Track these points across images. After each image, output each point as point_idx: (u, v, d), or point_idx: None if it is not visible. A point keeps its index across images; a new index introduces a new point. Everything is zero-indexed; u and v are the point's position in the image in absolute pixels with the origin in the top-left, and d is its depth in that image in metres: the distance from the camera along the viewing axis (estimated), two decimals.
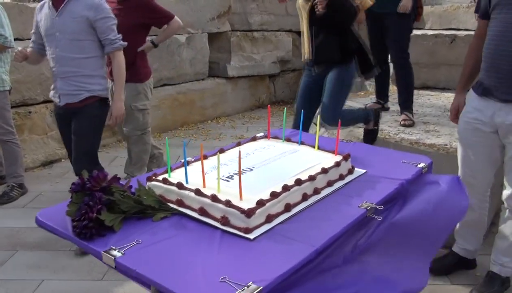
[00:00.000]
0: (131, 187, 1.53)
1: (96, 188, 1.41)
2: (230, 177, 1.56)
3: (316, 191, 1.57)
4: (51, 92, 2.86)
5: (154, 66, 5.54)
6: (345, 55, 2.81)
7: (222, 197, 1.39)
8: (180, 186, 1.48)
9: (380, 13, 3.40)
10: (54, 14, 2.64)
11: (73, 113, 2.76)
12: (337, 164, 1.69)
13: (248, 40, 6.71)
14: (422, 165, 1.87)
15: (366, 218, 1.47)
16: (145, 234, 1.33)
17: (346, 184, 1.69)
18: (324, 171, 1.62)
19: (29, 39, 4.21)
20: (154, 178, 1.56)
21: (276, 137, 2.04)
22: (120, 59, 2.77)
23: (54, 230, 1.39)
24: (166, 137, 1.57)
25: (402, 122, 3.41)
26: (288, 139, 2.00)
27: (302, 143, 1.94)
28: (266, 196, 1.40)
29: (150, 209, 1.43)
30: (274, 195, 1.41)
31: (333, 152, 1.81)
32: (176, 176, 1.57)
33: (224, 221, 1.34)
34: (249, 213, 1.31)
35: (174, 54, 5.78)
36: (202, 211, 1.40)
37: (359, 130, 3.27)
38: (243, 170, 1.61)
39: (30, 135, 4.49)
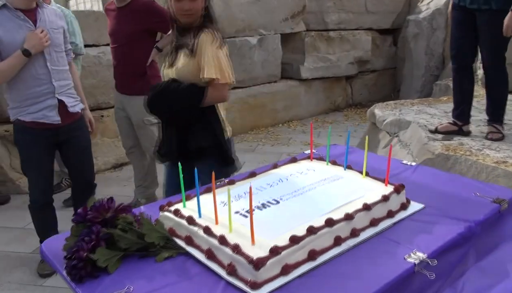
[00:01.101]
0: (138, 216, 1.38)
1: (97, 219, 1.27)
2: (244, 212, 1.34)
3: (354, 233, 1.29)
4: (37, 114, 2.42)
5: None
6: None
7: (233, 239, 1.17)
8: (190, 220, 1.29)
9: (472, 9, 2.81)
10: (32, 27, 2.34)
11: (67, 131, 2.55)
12: (385, 198, 1.39)
13: (323, 40, 6.40)
14: (500, 200, 1.49)
15: (414, 274, 1.17)
16: (140, 279, 1.15)
17: (396, 223, 1.38)
18: (366, 207, 1.33)
19: (106, 45, 4.38)
20: (167, 207, 1.39)
21: (320, 158, 1.77)
22: (75, 66, 2.79)
23: (52, 264, 1.28)
24: (179, 163, 1.39)
25: (489, 136, 2.92)
26: (333, 162, 1.72)
27: (348, 167, 1.66)
28: (285, 240, 1.16)
29: (154, 246, 1.26)
30: (294, 240, 1.16)
31: (383, 181, 1.51)
32: (193, 206, 1.38)
33: (231, 269, 1.12)
34: (257, 264, 1.08)
35: (245, 56, 5.66)
36: (210, 254, 1.20)
37: (434, 144, 2.86)
38: (267, 202, 1.38)
39: (102, 139, 4.63)
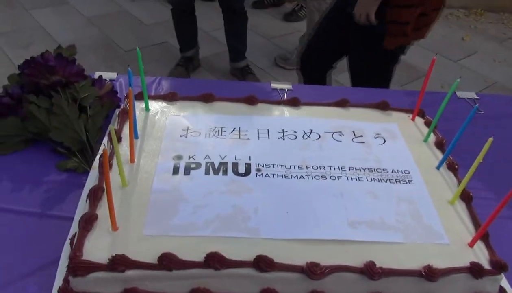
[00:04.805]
0: (116, 92, 1.03)
1: (35, 79, 0.96)
2: (193, 165, 0.82)
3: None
4: None
5: None
6: None
7: (116, 201, 0.73)
8: (116, 133, 0.86)
9: None
10: None
11: None
12: (428, 275, 0.67)
13: None
14: None
15: None
16: (12, 184, 0.86)
17: None
18: (368, 270, 0.67)
19: None
20: (127, 100, 0.97)
21: (427, 121, 0.98)
22: None
23: None
24: (137, 49, 0.88)
25: None
26: (439, 142, 0.93)
27: (450, 168, 0.87)
28: (168, 248, 0.66)
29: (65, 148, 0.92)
30: (163, 260, 0.65)
31: (476, 230, 0.73)
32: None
33: (72, 244, 0.72)
34: (72, 269, 0.64)
35: None
36: (91, 199, 0.79)
37: None
38: (234, 164, 0.82)
39: None
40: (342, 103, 1.02)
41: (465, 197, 0.80)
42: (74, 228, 0.75)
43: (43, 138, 0.93)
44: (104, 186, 0.72)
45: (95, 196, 0.74)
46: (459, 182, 0.83)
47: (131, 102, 0.79)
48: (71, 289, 0.66)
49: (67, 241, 0.73)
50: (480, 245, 0.73)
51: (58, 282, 0.68)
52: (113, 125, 0.94)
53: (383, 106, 1.01)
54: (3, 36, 3.06)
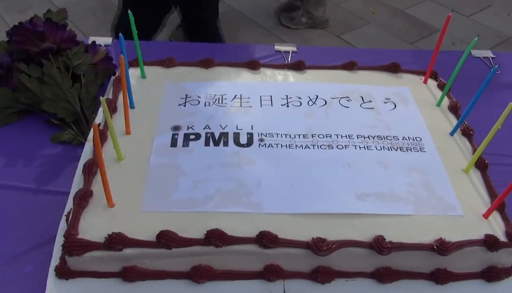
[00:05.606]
0: (111, 59, 0.98)
1: (24, 46, 0.91)
2: (192, 136, 0.78)
3: (315, 276, 0.65)
4: None
5: None
6: None
7: (112, 177, 0.70)
8: (109, 104, 0.82)
9: None
10: None
11: None
12: (439, 247, 0.64)
13: None
14: None
15: None
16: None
17: None
18: (376, 244, 0.64)
19: None
20: (119, 71, 0.92)
21: (440, 84, 0.93)
22: None
23: None
24: (130, 12, 0.82)
25: None
26: (453, 106, 0.88)
27: (465, 133, 0.82)
28: (167, 225, 0.63)
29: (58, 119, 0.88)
30: (161, 238, 0.62)
31: (491, 201, 0.70)
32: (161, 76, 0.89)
33: (67, 220, 0.69)
34: (67, 249, 0.62)
35: None
36: (85, 173, 0.76)
37: None
38: (235, 133, 0.78)
39: None
40: (349, 66, 0.96)
41: (481, 165, 0.76)
42: (70, 204, 0.72)
43: (36, 110, 0.89)
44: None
45: (89, 171, 0.70)
46: (474, 149, 0.78)
47: (124, 71, 0.74)
48: (68, 268, 0.64)
49: (63, 218, 0.71)
50: (495, 216, 0.69)
51: (55, 261, 0.66)
52: (108, 95, 0.90)
53: (393, 68, 0.95)
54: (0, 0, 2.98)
